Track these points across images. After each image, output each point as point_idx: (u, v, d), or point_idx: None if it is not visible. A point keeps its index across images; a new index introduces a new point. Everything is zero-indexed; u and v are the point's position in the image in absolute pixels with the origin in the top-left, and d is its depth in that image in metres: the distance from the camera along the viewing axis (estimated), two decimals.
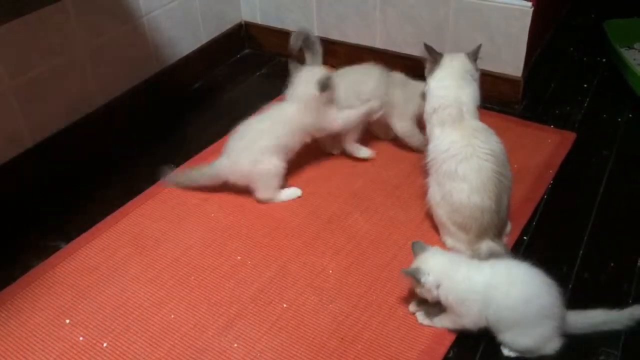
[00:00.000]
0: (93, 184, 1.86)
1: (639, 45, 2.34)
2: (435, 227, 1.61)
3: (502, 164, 1.49)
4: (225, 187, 1.78)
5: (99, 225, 1.68)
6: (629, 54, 2.28)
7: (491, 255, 1.46)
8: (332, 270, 1.52)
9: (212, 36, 2.37)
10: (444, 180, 1.50)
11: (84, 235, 1.65)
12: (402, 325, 1.37)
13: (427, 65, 1.65)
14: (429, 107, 1.58)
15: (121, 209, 1.73)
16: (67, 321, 1.41)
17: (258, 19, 2.48)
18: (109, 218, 1.70)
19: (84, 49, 1.89)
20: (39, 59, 1.76)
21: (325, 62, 2.36)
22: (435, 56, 1.61)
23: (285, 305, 1.43)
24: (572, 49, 2.44)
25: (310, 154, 1.90)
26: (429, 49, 1.63)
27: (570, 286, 1.45)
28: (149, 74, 2.15)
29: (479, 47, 1.65)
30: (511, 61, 2.03)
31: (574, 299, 1.41)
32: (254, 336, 1.36)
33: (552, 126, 1.99)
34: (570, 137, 1.93)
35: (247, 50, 2.55)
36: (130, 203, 1.75)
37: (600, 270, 1.49)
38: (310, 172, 1.84)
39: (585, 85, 2.20)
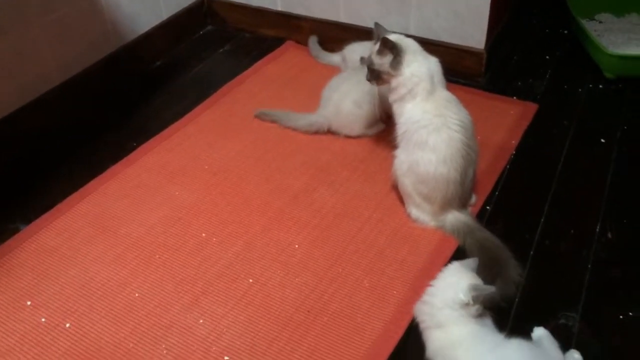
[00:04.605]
0: (52, 164, 1.81)
1: (600, 16, 2.37)
2: (400, 200, 1.61)
3: (471, 136, 1.50)
4: (189, 166, 1.77)
5: (59, 206, 1.64)
6: (590, 25, 2.31)
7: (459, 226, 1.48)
8: (298, 245, 1.52)
9: (172, 12, 2.32)
10: (413, 150, 1.50)
11: (44, 216, 1.61)
12: (369, 296, 1.38)
13: (383, 60, 1.51)
14: (403, 90, 1.51)
15: (82, 189, 1.69)
16: (29, 303, 1.39)
17: None
18: (69, 198, 1.66)
19: (37, 26, 1.83)
20: None
21: (290, 38, 2.36)
22: (397, 47, 1.49)
23: (251, 281, 1.43)
24: (534, 21, 2.46)
25: (274, 131, 1.89)
26: (389, 42, 1.49)
27: (531, 253, 1.47)
28: (108, 51, 2.10)
29: (377, 24, 1.60)
30: (474, 34, 2.03)
31: (535, 265, 1.44)
32: (220, 312, 1.36)
33: (514, 98, 2.01)
34: (532, 108, 1.95)
35: (209, 27, 2.50)
36: (91, 183, 1.72)
37: (561, 238, 1.52)
38: (275, 149, 1.83)
39: (547, 57, 2.23)
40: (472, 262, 1.28)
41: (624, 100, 1.99)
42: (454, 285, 1.22)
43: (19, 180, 1.76)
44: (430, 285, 1.27)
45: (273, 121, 1.91)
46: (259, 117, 1.93)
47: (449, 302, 1.20)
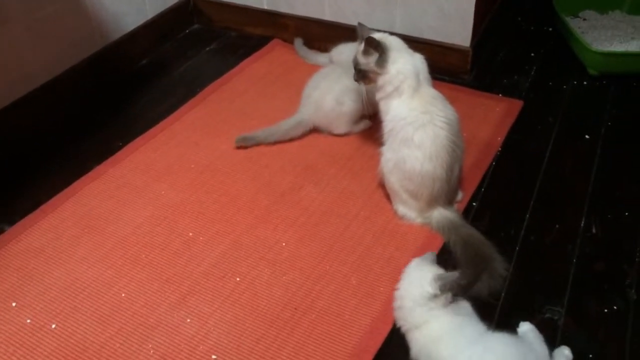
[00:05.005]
0: (37, 164, 1.80)
1: (584, 14, 2.39)
2: (387, 197, 1.62)
3: (456, 133, 1.50)
4: (175, 165, 1.76)
5: (44, 206, 1.63)
6: (574, 22, 2.33)
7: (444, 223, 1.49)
8: (286, 243, 1.52)
9: (158, 11, 2.31)
10: (399, 147, 1.50)
11: (29, 217, 1.60)
12: (356, 293, 1.38)
13: (369, 59, 1.52)
14: (390, 88, 1.51)
15: (67, 189, 1.68)
16: (14, 304, 1.37)
17: None
18: (54, 199, 1.65)
19: (22, 24, 1.81)
20: None
21: (276, 36, 2.35)
22: (382, 45, 1.50)
23: (238, 279, 1.42)
24: (519, 18, 2.48)
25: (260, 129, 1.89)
26: (373, 41, 1.49)
27: (517, 248, 1.48)
28: (93, 50, 2.08)
29: (360, 24, 1.61)
30: (459, 31, 2.04)
31: (521, 260, 1.45)
32: (207, 311, 1.35)
33: (500, 95, 2.02)
34: (517, 105, 1.97)
35: (195, 26, 2.49)
36: (76, 183, 1.70)
37: (546, 233, 1.53)
38: (262, 148, 1.82)
39: (532, 54, 2.24)
40: (430, 255, 1.30)
41: (608, 96, 2.01)
42: (418, 280, 1.22)
43: (3, 180, 1.74)
44: (396, 289, 1.27)
45: (257, 144, 1.81)
46: (241, 145, 1.80)
47: (418, 299, 1.20)
